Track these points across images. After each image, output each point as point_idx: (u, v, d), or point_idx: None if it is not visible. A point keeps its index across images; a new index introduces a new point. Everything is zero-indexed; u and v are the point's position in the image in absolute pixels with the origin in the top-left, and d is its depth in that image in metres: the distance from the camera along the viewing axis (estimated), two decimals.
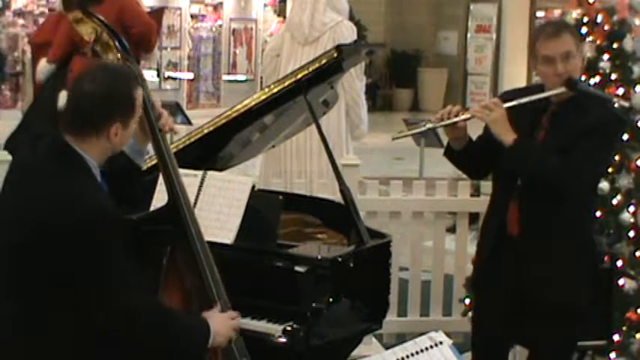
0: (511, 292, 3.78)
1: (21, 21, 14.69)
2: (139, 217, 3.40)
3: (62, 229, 2.79)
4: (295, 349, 3.55)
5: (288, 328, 3.55)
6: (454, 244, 5.92)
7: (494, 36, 18.30)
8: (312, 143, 5.94)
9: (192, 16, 16.68)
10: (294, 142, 5.82)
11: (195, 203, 3.76)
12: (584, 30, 5.06)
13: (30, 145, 2.99)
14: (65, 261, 2.80)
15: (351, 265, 3.70)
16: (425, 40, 20.29)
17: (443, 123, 3.78)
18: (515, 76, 15.65)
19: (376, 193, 5.84)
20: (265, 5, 18.04)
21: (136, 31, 6.36)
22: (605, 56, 5.00)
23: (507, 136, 3.66)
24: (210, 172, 3.86)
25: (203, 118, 5.08)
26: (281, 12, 17.51)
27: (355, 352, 3.99)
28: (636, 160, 4.85)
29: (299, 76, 4.01)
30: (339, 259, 3.67)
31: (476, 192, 5.73)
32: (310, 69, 3.99)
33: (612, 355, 4.67)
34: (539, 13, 16.83)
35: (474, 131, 3.91)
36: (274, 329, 3.57)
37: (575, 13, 5.19)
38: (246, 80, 17.19)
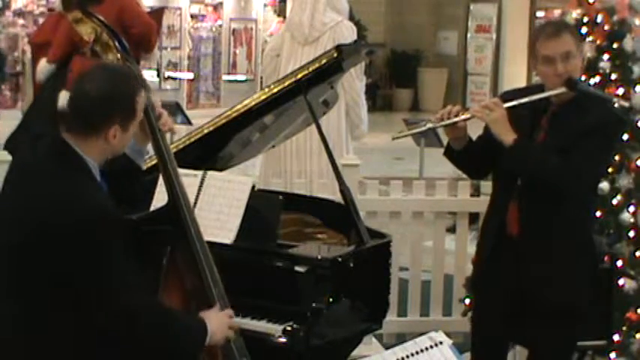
0: (511, 292, 3.78)
1: (21, 21, 14.68)
2: (138, 217, 3.40)
3: (62, 229, 2.79)
4: (295, 349, 3.55)
5: (288, 328, 3.55)
6: (454, 244, 5.92)
7: (494, 36, 18.30)
8: (312, 143, 5.94)
9: (192, 16, 16.67)
10: (294, 142, 5.82)
11: (195, 203, 3.76)
12: (584, 30, 5.06)
13: (30, 145, 2.99)
14: (65, 261, 2.80)
15: (351, 265, 3.70)
16: (425, 40, 20.29)
17: (443, 123, 3.78)
18: (515, 76, 15.65)
19: (376, 193, 5.84)
20: (265, 5, 18.03)
21: (136, 31, 6.35)
22: (605, 56, 5.01)
23: (507, 136, 3.66)
24: (210, 172, 3.86)
25: (203, 118, 5.08)
26: (281, 12, 17.51)
27: (355, 352, 3.99)
28: (636, 160, 4.86)
29: (299, 76, 4.01)
30: (339, 259, 3.67)
31: (476, 192, 5.73)
32: (310, 69, 3.99)
33: (612, 355, 4.68)
34: (539, 13, 16.83)
35: (474, 131, 3.91)
36: (274, 329, 3.57)
37: (575, 13, 5.19)
38: (246, 80, 17.18)
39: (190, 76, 16.38)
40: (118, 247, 2.85)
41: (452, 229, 5.94)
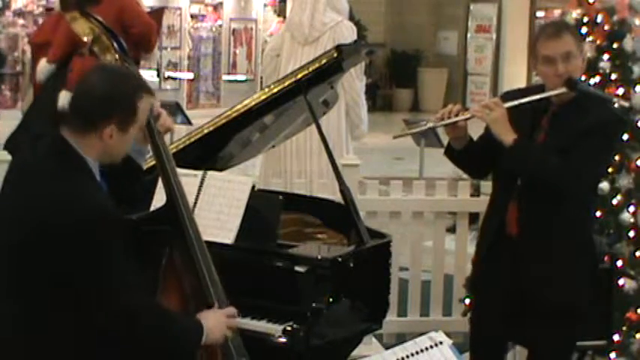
0: (510, 292, 3.78)
1: (21, 21, 14.68)
2: (138, 217, 3.40)
3: (62, 229, 2.79)
4: (295, 349, 3.55)
5: (288, 328, 3.55)
6: (454, 244, 5.92)
7: (494, 36, 18.30)
8: (312, 143, 5.94)
9: (192, 16, 16.67)
10: (294, 142, 5.82)
11: (195, 203, 3.76)
12: (584, 30, 5.06)
13: (30, 145, 2.99)
14: (65, 261, 2.80)
15: (351, 265, 3.70)
16: (425, 40, 20.29)
17: (443, 122, 3.78)
18: (515, 76, 15.65)
19: (376, 193, 5.84)
20: (265, 5, 18.03)
21: (135, 31, 6.35)
22: (605, 56, 5.01)
23: (507, 136, 3.66)
24: (210, 172, 3.86)
25: (203, 118, 5.08)
26: (281, 12, 17.51)
27: (355, 352, 3.99)
28: (636, 160, 4.86)
29: (299, 76, 4.01)
30: (339, 259, 3.67)
31: (476, 192, 5.73)
32: (310, 69, 3.99)
33: (612, 355, 4.68)
34: (539, 13, 16.84)
35: (475, 131, 3.91)
36: (274, 329, 3.57)
37: (575, 13, 5.19)
38: (246, 80, 17.18)
39: (190, 76, 16.38)
40: (118, 247, 2.85)
41: (452, 229, 5.95)
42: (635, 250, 4.79)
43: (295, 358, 3.58)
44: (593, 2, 5.11)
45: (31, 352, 2.87)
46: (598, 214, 4.69)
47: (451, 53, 19.95)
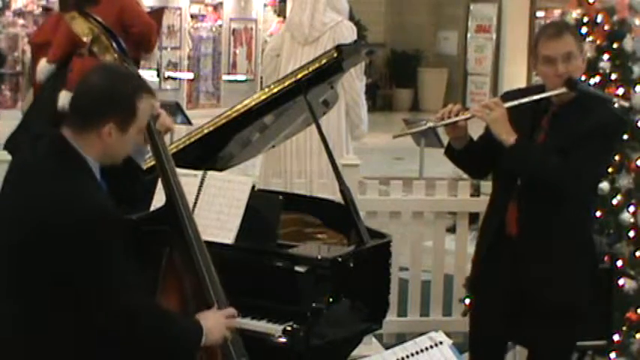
0: (510, 292, 3.78)
1: (21, 21, 14.68)
2: (138, 217, 3.40)
3: (62, 229, 2.79)
4: (295, 349, 3.55)
5: (288, 328, 3.55)
6: (454, 244, 5.92)
7: (494, 36, 18.30)
8: (312, 143, 5.94)
9: (192, 16, 16.67)
10: (294, 142, 5.82)
11: (195, 203, 3.76)
12: (584, 30, 5.06)
13: (30, 145, 2.99)
14: (65, 261, 2.80)
15: (351, 265, 3.70)
16: (425, 40, 20.29)
17: (443, 122, 3.78)
18: (515, 76, 15.66)
19: (376, 193, 5.84)
20: (265, 5, 18.03)
21: (136, 30, 6.36)
22: (605, 56, 5.01)
23: (507, 135, 3.66)
24: (210, 172, 3.86)
25: (203, 118, 5.08)
26: (281, 12, 17.51)
27: (355, 352, 3.99)
28: (636, 160, 4.86)
29: (299, 76, 4.01)
30: (339, 259, 3.67)
31: (476, 192, 5.73)
32: (310, 69, 3.99)
33: (612, 355, 4.68)
34: (539, 13, 16.85)
35: (475, 131, 3.91)
36: (274, 329, 3.57)
37: (575, 13, 5.19)
38: (246, 80, 17.18)
39: (190, 76, 16.38)
40: (118, 247, 2.85)
41: (452, 229, 5.95)
42: (635, 250, 4.79)
43: (295, 358, 3.58)
44: (593, 2, 5.11)
45: (31, 352, 2.87)
46: (598, 214, 4.69)
47: (451, 53, 19.95)
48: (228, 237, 3.71)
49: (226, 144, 4.27)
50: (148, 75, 13.95)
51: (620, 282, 4.66)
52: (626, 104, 4.35)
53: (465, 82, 19.13)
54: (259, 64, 15.44)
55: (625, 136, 4.73)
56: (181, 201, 3.20)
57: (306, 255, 3.73)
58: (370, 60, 15.56)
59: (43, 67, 6.53)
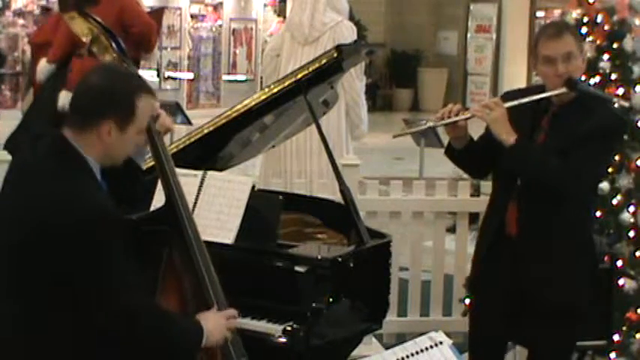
0: (509, 292, 3.78)
1: (21, 21, 14.67)
2: (138, 217, 3.40)
3: (62, 229, 2.79)
4: (295, 349, 3.55)
5: (288, 328, 3.55)
6: (454, 244, 5.92)
7: (494, 36, 18.31)
8: (312, 143, 5.94)
9: (192, 16, 16.66)
10: (294, 142, 5.82)
11: (195, 203, 3.76)
12: (584, 30, 5.06)
13: (30, 145, 2.99)
14: (65, 261, 2.80)
15: (351, 265, 3.70)
16: (425, 40, 20.29)
17: (443, 122, 3.78)
18: (515, 76, 15.66)
19: (376, 193, 5.84)
20: (265, 5, 18.03)
21: (136, 30, 6.36)
22: (605, 56, 5.01)
23: (507, 135, 3.66)
24: (210, 172, 3.86)
25: (203, 118, 5.08)
26: (281, 12, 17.51)
27: (355, 352, 3.99)
28: (636, 160, 4.86)
29: (299, 76, 4.00)
30: (339, 259, 3.67)
31: (476, 192, 5.73)
32: (310, 69, 3.99)
33: (612, 355, 4.68)
34: (539, 13, 16.85)
35: (475, 131, 3.91)
36: (274, 329, 3.57)
37: (575, 13, 5.19)
38: (246, 80, 17.18)
39: (190, 76, 16.38)
40: (118, 247, 2.85)
41: (452, 229, 5.95)
42: (635, 250, 4.79)
43: (295, 358, 3.58)
44: (593, 2, 5.11)
45: (30, 352, 2.87)
46: (598, 214, 4.69)
47: (451, 53, 19.95)
48: (228, 237, 3.71)
49: (226, 144, 4.27)
50: (148, 75, 13.95)
51: (620, 282, 4.66)
52: (626, 104, 4.35)
53: (465, 82, 19.14)
54: (259, 64, 15.43)
55: (625, 136, 4.73)
56: (181, 201, 3.20)
57: (306, 255, 3.73)
58: (370, 60, 15.56)
59: (43, 67, 6.53)
